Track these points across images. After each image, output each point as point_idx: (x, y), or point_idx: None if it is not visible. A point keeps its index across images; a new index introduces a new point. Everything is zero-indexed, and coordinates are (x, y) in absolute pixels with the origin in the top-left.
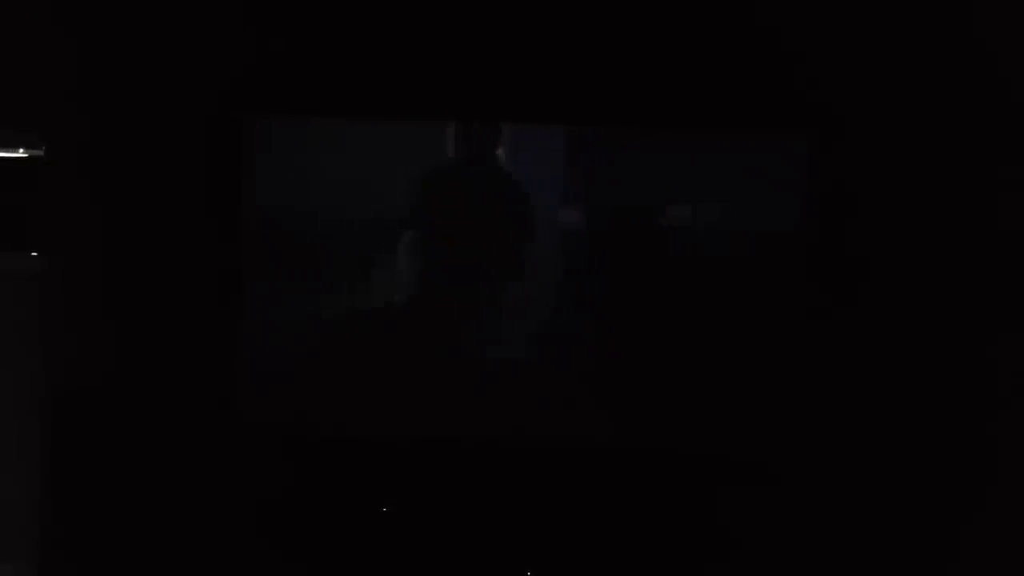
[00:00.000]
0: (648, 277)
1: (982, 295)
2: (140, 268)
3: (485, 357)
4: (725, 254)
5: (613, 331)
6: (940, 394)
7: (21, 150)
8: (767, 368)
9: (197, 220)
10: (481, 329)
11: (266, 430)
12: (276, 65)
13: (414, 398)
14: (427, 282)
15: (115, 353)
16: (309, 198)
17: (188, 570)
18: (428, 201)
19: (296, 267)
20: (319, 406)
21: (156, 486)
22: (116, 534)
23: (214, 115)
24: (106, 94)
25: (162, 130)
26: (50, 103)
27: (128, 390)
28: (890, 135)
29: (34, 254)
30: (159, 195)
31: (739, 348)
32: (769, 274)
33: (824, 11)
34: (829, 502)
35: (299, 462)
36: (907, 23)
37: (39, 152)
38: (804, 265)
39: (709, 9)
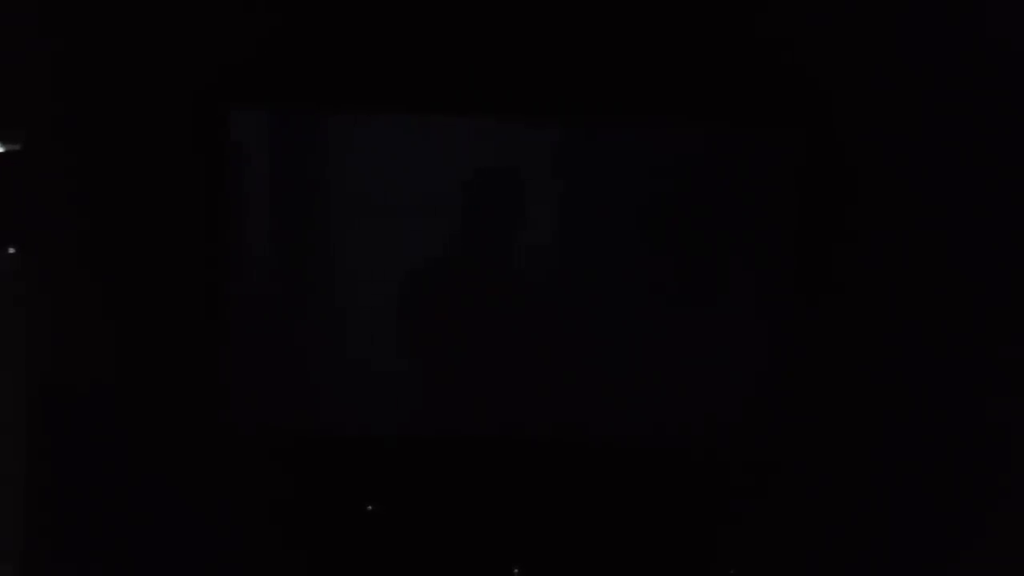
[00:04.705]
0: (642, 273)
1: (980, 292)
2: (122, 265)
3: (472, 356)
4: (717, 248)
5: (602, 329)
6: (936, 392)
7: None
8: (760, 366)
9: (180, 214)
10: (466, 327)
11: (252, 429)
12: (258, 56)
13: (399, 397)
14: (413, 279)
15: (98, 352)
16: (294, 192)
17: (174, 569)
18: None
19: (282, 265)
20: (304, 405)
21: (141, 485)
22: (101, 533)
23: (196, 107)
24: (84, 87)
25: (142, 123)
26: (28, 97)
27: (112, 389)
28: (884, 132)
29: (12, 251)
30: (140, 189)
31: (732, 345)
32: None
33: (818, 6)
34: (821, 502)
35: (283, 461)
36: (903, 18)
37: (17, 147)
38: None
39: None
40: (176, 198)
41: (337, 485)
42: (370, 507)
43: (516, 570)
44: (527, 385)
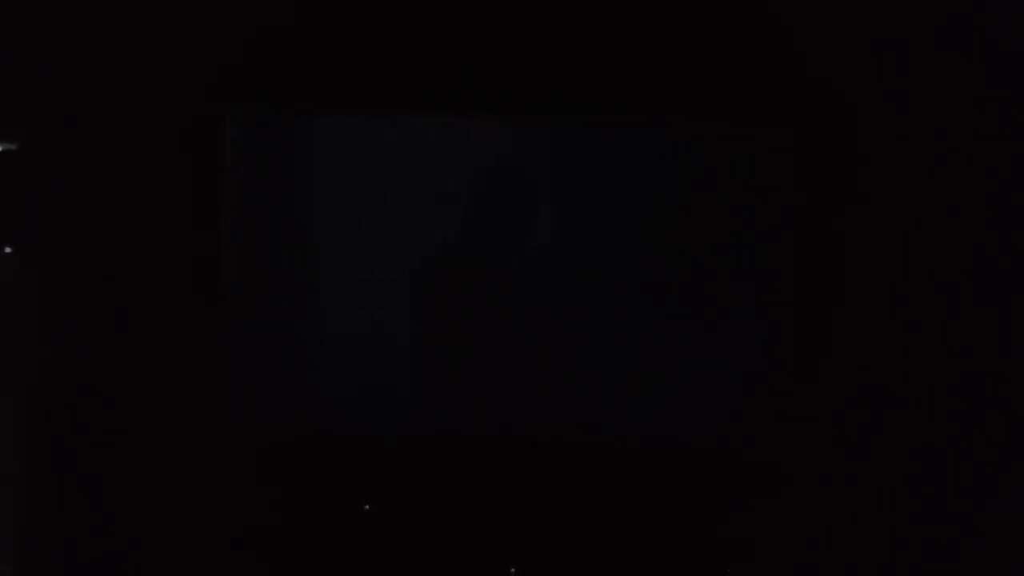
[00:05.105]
0: (641, 272)
1: (981, 292)
2: (120, 264)
3: (471, 356)
4: (717, 247)
5: (600, 329)
6: (937, 392)
7: None
8: (759, 366)
9: (178, 214)
10: (465, 327)
11: (252, 429)
12: (255, 56)
13: (398, 397)
14: (412, 279)
15: (96, 352)
16: (292, 192)
17: (173, 569)
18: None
19: (281, 265)
20: (303, 405)
21: (140, 485)
22: (100, 533)
23: (192, 107)
24: (80, 87)
25: (139, 122)
26: (24, 96)
27: (111, 389)
28: (885, 132)
29: (8, 250)
30: (138, 189)
31: (731, 344)
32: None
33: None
34: (818, 503)
35: (283, 461)
36: (904, 17)
37: (13, 146)
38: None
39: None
40: (174, 198)
41: (335, 485)
42: (367, 507)
43: (513, 570)
44: (526, 385)
